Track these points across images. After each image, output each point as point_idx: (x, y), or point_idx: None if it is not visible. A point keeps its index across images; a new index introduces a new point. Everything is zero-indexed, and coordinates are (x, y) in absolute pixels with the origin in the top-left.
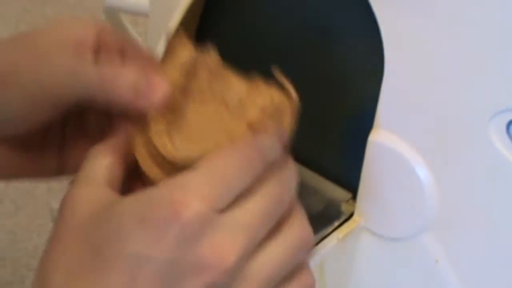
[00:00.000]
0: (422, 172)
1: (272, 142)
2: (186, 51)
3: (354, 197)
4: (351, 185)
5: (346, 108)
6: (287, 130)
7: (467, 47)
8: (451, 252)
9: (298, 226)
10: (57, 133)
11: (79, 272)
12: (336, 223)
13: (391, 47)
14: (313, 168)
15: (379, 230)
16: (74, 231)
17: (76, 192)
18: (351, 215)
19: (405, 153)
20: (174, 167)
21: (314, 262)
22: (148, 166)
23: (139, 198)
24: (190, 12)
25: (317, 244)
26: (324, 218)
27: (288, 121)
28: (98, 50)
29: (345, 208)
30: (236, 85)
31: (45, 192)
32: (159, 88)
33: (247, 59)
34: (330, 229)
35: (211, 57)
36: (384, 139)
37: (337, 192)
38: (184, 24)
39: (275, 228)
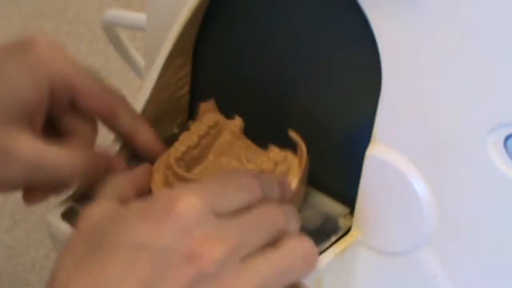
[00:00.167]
0: (420, 186)
1: (271, 180)
2: (214, 116)
3: (351, 211)
4: (349, 199)
5: (343, 123)
6: (290, 183)
7: (465, 61)
8: (449, 267)
9: (299, 240)
10: None
11: (81, 264)
12: (334, 238)
13: (388, 62)
14: (310, 183)
15: (376, 245)
16: (81, 234)
17: (90, 207)
18: (348, 230)
19: (403, 167)
20: None
21: (311, 277)
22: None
23: (142, 200)
24: (188, 27)
25: None
26: (322, 233)
27: (295, 176)
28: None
29: (342, 223)
30: (252, 147)
31: (43, 207)
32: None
33: (244, 75)
34: (327, 244)
35: (235, 123)
36: (381, 154)
37: (335, 207)
38: (182, 39)
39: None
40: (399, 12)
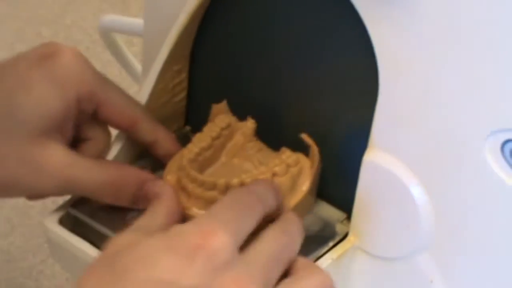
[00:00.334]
0: (417, 192)
1: (266, 190)
2: (226, 118)
3: (348, 217)
4: (346, 205)
5: (340, 127)
6: (301, 185)
7: (463, 67)
8: (446, 272)
9: (317, 273)
10: None
11: None
12: (331, 244)
13: (385, 67)
14: None
15: (374, 250)
16: (104, 261)
17: (119, 235)
18: (345, 235)
19: (400, 173)
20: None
21: None
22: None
23: (168, 231)
24: (185, 33)
25: None
26: (319, 238)
27: (307, 178)
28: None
29: (339, 228)
30: (264, 149)
31: (40, 212)
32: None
33: (241, 81)
34: (324, 249)
35: (247, 125)
36: (378, 159)
37: (332, 212)
38: (179, 44)
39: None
40: (396, 17)
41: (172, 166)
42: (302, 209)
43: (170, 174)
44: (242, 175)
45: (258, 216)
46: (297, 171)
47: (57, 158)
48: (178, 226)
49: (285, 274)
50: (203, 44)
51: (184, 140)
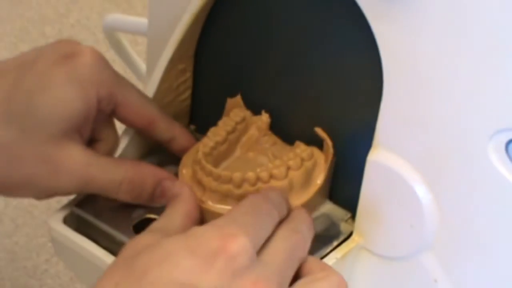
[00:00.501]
0: (421, 191)
1: (279, 196)
2: (241, 112)
3: (353, 216)
4: (350, 204)
5: (345, 127)
6: (315, 179)
7: (467, 66)
8: (450, 271)
9: (332, 271)
10: None
11: None
12: (335, 243)
13: (389, 66)
14: None
15: (378, 249)
16: (123, 262)
17: (137, 237)
18: (350, 235)
19: (404, 172)
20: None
21: None
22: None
23: (187, 233)
24: (189, 32)
25: None
26: (323, 238)
27: (321, 171)
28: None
29: (344, 227)
30: (279, 143)
31: (44, 212)
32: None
33: (245, 79)
34: (329, 248)
35: (262, 119)
36: (383, 158)
37: (336, 211)
38: (184, 43)
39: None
40: (400, 16)
41: (187, 160)
42: (316, 203)
43: (185, 168)
44: (257, 168)
45: (275, 221)
46: (312, 164)
47: (76, 158)
48: (198, 228)
49: (296, 273)
50: (207, 43)
51: None
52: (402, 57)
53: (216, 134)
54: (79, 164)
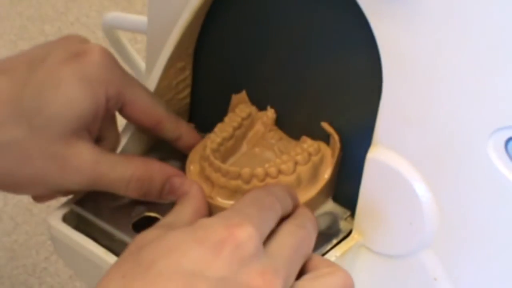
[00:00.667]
0: (421, 189)
1: (283, 191)
2: (247, 108)
3: (352, 214)
4: (350, 202)
5: (344, 124)
6: (323, 174)
7: (466, 64)
8: (450, 269)
9: (338, 267)
10: None
11: (132, 284)
12: (335, 241)
13: (389, 64)
14: None
15: (377, 247)
16: (131, 254)
17: (146, 231)
18: (349, 233)
19: (404, 170)
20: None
21: None
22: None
23: (194, 224)
24: (189, 30)
25: None
26: (323, 236)
27: (328, 166)
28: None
29: (343, 225)
30: (285, 138)
31: (44, 210)
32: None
33: (245, 78)
34: (328, 246)
35: (267, 114)
36: (382, 156)
37: (336, 210)
38: (183, 41)
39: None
40: (400, 15)
41: (194, 157)
42: (322, 199)
43: (193, 164)
44: (265, 164)
45: (278, 215)
46: (319, 159)
47: (85, 155)
48: (205, 220)
49: (301, 269)
50: (206, 41)
51: None
52: (401, 56)
53: (223, 130)
54: (88, 161)
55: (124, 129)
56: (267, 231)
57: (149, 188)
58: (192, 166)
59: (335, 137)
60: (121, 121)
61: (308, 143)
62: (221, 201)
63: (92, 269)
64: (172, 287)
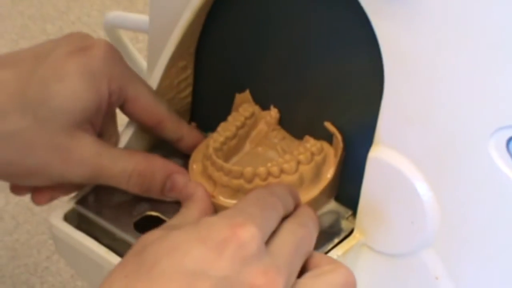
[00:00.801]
0: (422, 188)
1: (284, 190)
2: (250, 107)
3: (354, 213)
4: (351, 201)
5: (346, 124)
6: (325, 174)
7: (468, 64)
8: (451, 269)
9: (340, 264)
10: None
11: (135, 284)
12: (336, 240)
13: (390, 63)
14: None
15: (379, 246)
16: (130, 255)
17: (150, 232)
18: (351, 232)
19: (405, 169)
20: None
21: None
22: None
23: (196, 224)
24: (190, 29)
25: None
26: (324, 235)
27: (331, 165)
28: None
29: (345, 224)
30: (288, 137)
31: (45, 209)
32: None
33: (246, 77)
34: (330, 245)
35: (271, 114)
36: (384, 156)
37: (337, 209)
38: (185, 41)
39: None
40: (402, 15)
41: (197, 155)
42: (324, 199)
43: (196, 163)
44: (268, 163)
45: (280, 214)
46: (322, 159)
47: (87, 148)
48: (207, 219)
49: (303, 267)
50: (208, 41)
51: None
52: (403, 55)
53: (226, 129)
54: (90, 153)
55: (127, 127)
56: (269, 230)
57: (151, 184)
58: (195, 165)
59: (338, 136)
60: (122, 121)
61: (311, 143)
62: (223, 200)
63: (94, 268)
64: (175, 287)
